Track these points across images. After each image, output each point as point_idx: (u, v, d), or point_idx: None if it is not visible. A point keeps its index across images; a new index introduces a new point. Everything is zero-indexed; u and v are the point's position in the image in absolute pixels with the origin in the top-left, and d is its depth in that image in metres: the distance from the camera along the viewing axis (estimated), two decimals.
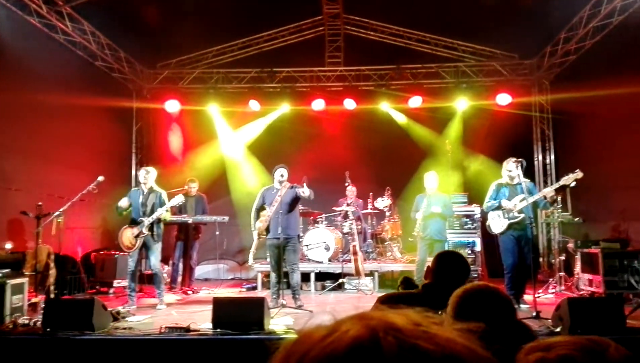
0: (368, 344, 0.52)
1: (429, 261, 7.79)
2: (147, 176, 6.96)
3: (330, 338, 0.54)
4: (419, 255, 7.91)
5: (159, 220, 6.83)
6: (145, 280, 8.56)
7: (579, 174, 6.31)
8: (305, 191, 6.66)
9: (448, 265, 2.90)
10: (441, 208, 7.67)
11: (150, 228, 6.75)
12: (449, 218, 8.62)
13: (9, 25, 7.22)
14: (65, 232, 6.68)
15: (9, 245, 6.78)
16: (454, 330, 0.56)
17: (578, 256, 7.73)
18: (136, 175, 10.74)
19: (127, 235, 6.74)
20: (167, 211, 6.93)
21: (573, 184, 6.41)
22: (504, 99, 10.21)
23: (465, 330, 0.58)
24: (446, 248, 8.50)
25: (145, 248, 6.84)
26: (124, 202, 6.85)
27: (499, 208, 6.67)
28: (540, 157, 10.85)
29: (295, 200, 6.86)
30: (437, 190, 7.85)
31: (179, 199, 7.02)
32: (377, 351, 0.51)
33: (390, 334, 0.53)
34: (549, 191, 6.53)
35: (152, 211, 6.75)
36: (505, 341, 1.68)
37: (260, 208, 7.02)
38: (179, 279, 8.67)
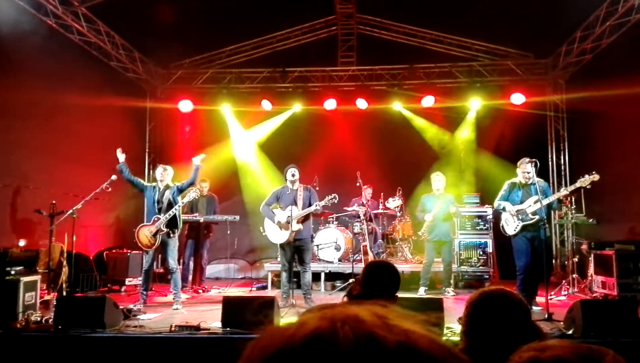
0: (325, 335, 0.53)
1: (437, 261, 7.81)
2: (165, 173, 6.94)
3: (290, 331, 0.55)
4: (427, 257, 7.90)
5: (173, 218, 6.78)
6: (157, 279, 8.64)
7: (595, 176, 6.22)
8: (318, 210, 6.93)
9: (377, 276, 2.74)
10: (449, 208, 7.71)
11: (168, 224, 6.74)
12: (461, 219, 8.58)
13: (26, 26, 7.31)
14: (79, 230, 6.75)
15: (22, 243, 6.88)
16: (416, 321, 0.57)
17: (591, 258, 7.63)
18: (149, 174, 10.84)
19: (145, 233, 6.70)
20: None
21: (588, 186, 6.33)
22: (518, 98, 10.10)
23: (426, 321, 0.59)
24: (455, 250, 8.48)
25: (162, 246, 6.80)
26: (125, 168, 6.88)
27: (504, 210, 6.63)
28: (554, 157, 10.72)
29: (309, 203, 6.88)
30: (444, 191, 7.85)
31: (193, 194, 7.00)
32: (333, 340, 0.52)
33: (348, 324, 0.53)
34: (564, 193, 6.45)
35: (168, 208, 6.74)
36: (519, 343, 1.66)
37: (272, 206, 7.04)
38: (190, 278, 8.72)
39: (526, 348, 0.93)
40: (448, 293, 7.68)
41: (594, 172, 6.26)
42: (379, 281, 2.71)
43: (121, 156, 6.85)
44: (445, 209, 7.74)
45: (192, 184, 6.90)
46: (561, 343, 0.93)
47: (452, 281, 7.95)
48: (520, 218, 6.53)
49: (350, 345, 0.51)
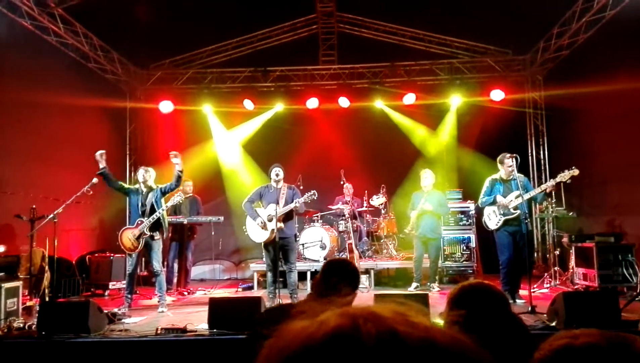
0: (347, 331, 0.53)
1: (426, 257, 7.88)
2: (147, 175, 6.85)
3: (310, 329, 0.55)
4: (416, 252, 7.96)
5: (157, 221, 6.71)
6: (141, 282, 8.56)
7: (575, 171, 6.33)
8: (300, 209, 6.92)
9: (334, 274, 2.72)
10: (435, 206, 7.74)
11: (151, 227, 6.68)
12: (445, 215, 8.67)
13: (1, 28, 7.18)
14: (61, 234, 6.65)
15: (1, 248, 6.75)
16: (443, 319, 0.57)
17: (572, 251, 7.77)
18: (131, 176, 10.72)
19: (128, 237, 6.62)
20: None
21: (568, 181, 6.44)
22: (497, 95, 10.23)
23: (449, 320, 0.60)
24: (441, 246, 8.56)
25: (146, 249, 6.73)
26: (108, 173, 6.70)
27: (493, 203, 6.70)
28: (534, 152, 10.88)
29: (292, 201, 6.87)
30: (433, 188, 7.90)
31: (177, 198, 6.94)
32: (356, 337, 0.52)
33: (370, 321, 0.53)
34: (545, 187, 6.55)
35: (152, 211, 6.67)
36: (500, 336, 1.69)
37: (254, 204, 7.02)
38: (175, 280, 8.65)
39: (558, 336, 0.95)
40: (433, 289, 7.75)
41: (573, 167, 6.36)
42: (338, 278, 2.68)
43: (102, 162, 6.64)
44: (434, 205, 7.80)
45: (174, 188, 6.83)
46: (589, 331, 0.95)
47: (437, 277, 8.01)
48: (502, 212, 6.62)
49: (374, 341, 0.51)
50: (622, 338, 0.90)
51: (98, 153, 6.65)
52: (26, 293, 6.40)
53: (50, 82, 7.96)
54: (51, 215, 6.28)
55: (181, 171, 6.74)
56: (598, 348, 0.88)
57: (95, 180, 6.65)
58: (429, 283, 7.94)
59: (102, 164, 6.63)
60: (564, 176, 6.38)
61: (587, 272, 7.33)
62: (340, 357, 0.51)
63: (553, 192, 7.55)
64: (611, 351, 0.87)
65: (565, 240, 8.12)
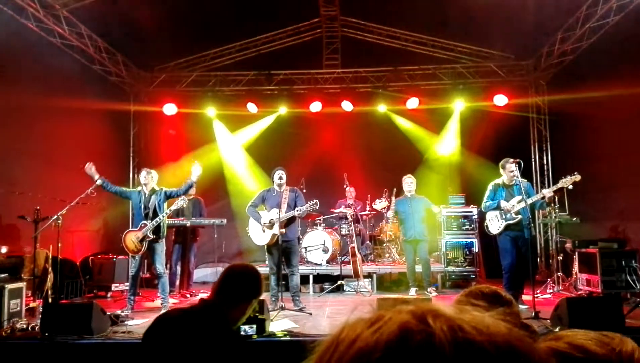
0: (418, 327, 0.52)
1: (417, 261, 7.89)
2: (149, 177, 6.88)
3: (378, 325, 0.54)
4: (407, 259, 8.00)
5: (159, 224, 6.73)
6: (144, 284, 8.56)
7: (577, 177, 6.32)
8: (301, 215, 6.89)
9: (234, 281, 2.58)
10: (422, 211, 7.94)
11: (155, 230, 6.69)
12: (447, 219, 8.69)
13: (7, 30, 7.22)
14: (65, 235, 6.67)
15: (4, 249, 6.76)
16: (488, 315, 0.58)
17: (576, 256, 7.75)
18: (134, 178, 10.74)
19: (131, 239, 6.64)
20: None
21: (570, 186, 6.43)
22: (500, 100, 10.24)
23: (499, 315, 0.59)
24: (442, 250, 8.56)
25: (149, 251, 6.75)
26: (106, 183, 6.77)
27: (497, 208, 6.70)
28: (537, 157, 10.87)
29: (295, 205, 6.86)
30: (415, 193, 8.01)
31: (181, 202, 6.96)
32: (429, 333, 0.52)
33: (439, 318, 0.53)
34: (546, 192, 6.54)
35: (155, 213, 6.69)
36: None
37: (257, 208, 7.03)
38: (177, 282, 8.65)
39: (542, 340, 0.95)
40: (430, 293, 7.73)
41: (575, 172, 6.36)
42: (233, 286, 2.53)
43: (94, 174, 6.66)
44: (419, 210, 7.89)
45: (181, 195, 6.85)
46: (574, 332, 0.96)
47: (429, 280, 7.99)
48: (504, 217, 6.62)
49: (447, 337, 0.51)
50: (606, 336, 0.90)
51: (87, 168, 6.66)
52: (29, 295, 6.42)
53: (55, 85, 7.99)
54: (55, 217, 6.29)
55: (195, 182, 6.83)
56: (584, 348, 0.88)
57: (99, 181, 6.68)
58: (425, 287, 7.92)
59: (96, 176, 6.67)
60: (566, 181, 6.37)
61: (590, 278, 7.31)
62: (414, 352, 0.50)
63: (556, 197, 7.54)
64: (595, 350, 0.88)
65: (568, 245, 8.10)
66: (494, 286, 1.96)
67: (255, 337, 2.69)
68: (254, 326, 2.69)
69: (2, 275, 5.85)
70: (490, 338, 0.52)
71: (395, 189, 8.24)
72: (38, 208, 6.41)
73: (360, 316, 0.58)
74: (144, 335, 2.34)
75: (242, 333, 2.65)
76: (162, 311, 6.53)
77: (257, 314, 2.67)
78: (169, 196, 6.84)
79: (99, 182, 6.66)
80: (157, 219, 6.61)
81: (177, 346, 2.19)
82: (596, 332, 0.92)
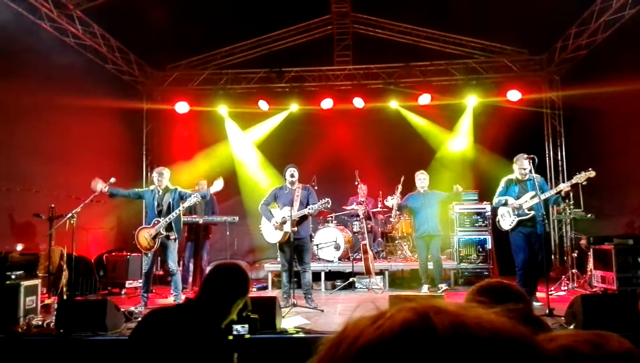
0: (420, 324, 0.53)
1: (429, 258, 7.84)
2: (162, 176, 6.95)
3: (380, 322, 0.55)
4: (420, 256, 7.94)
5: (177, 218, 6.78)
6: (157, 281, 8.62)
7: (591, 173, 6.23)
8: (313, 213, 6.87)
9: (219, 280, 2.57)
10: (435, 205, 7.84)
11: (167, 228, 6.74)
12: (459, 216, 8.65)
13: (21, 30, 7.30)
14: (80, 233, 6.74)
15: (20, 247, 6.86)
16: (494, 312, 0.58)
17: (590, 253, 7.66)
18: (147, 176, 10.83)
19: (145, 236, 6.69)
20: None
21: (584, 182, 6.35)
22: (514, 95, 10.14)
23: (504, 311, 0.60)
24: (454, 246, 8.50)
25: (162, 248, 6.80)
26: (116, 191, 6.79)
27: (505, 204, 6.65)
28: (551, 153, 10.76)
29: (307, 203, 6.86)
30: (428, 188, 7.96)
31: (194, 200, 6.97)
32: (431, 329, 0.52)
33: (441, 314, 0.54)
34: (560, 189, 6.47)
35: (168, 211, 6.74)
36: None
37: (270, 206, 7.05)
38: (190, 279, 8.71)
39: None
40: (440, 289, 7.68)
41: (590, 168, 6.27)
42: (220, 285, 2.52)
43: (101, 187, 6.61)
44: (433, 205, 7.83)
45: (192, 201, 6.87)
46: (565, 332, 0.94)
47: (441, 278, 7.93)
48: (516, 213, 6.56)
49: (449, 333, 0.51)
50: (599, 337, 0.89)
51: (92, 186, 6.60)
52: (45, 291, 6.50)
53: (69, 84, 8.08)
54: (69, 214, 6.36)
55: (210, 194, 6.99)
56: (572, 350, 0.87)
57: (112, 180, 6.72)
58: (436, 284, 7.87)
59: (101, 186, 6.60)
60: (580, 177, 6.29)
61: (605, 275, 7.22)
62: (416, 348, 0.51)
63: (571, 194, 7.45)
64: (585, 352, 0.86)
65: (583, 242, 8.01)
66: (506, 281, 1.94)
67: (247, 336, 2.68)
68: (246, 325, 2.68)
69: (18, 272, 5.93)
70: (493, 335, 0.52)
71: (403, 178, 8.18)
72: (53, 205, 6.49)
73: (363, 313, 0.59)
74: (131, 332, 2.37)
75: (234, 332, 2.65)
76: None
77: (248, 313, 2.68)
78: (182, 198, 6.88)
79: (107, 193, 6.66)
80: (170, 216, 6.65)
81: (161, 344, 2.21)
82: (590, 332, 0.91)
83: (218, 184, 6.84)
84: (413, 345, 0.51)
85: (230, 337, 2.60)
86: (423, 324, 0.53)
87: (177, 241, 6.90)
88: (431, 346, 0.51)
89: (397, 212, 8.12)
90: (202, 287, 2.55)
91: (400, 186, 8.17)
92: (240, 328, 2.66)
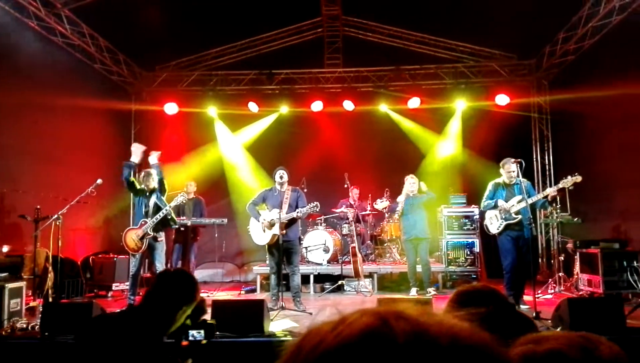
0: (380, 329, 0.53)
1: (418, 261, 7.86)
2: (149, 177, 6.89)
3: (340, 328, 0.54)
4: (408, 259, 7.96)
5: (162, 220, 6.73)
6: (144, 283, 8.53)
7: (578, 177, 6.30)
8: (302, 217, 6.84)
9: (164, 287, 2.51)
10: (424, 207, 7.89)
11: (155, 228, 6.69)
12: (448, 219, 8.69)
13: (8, 28, 7.22)
14: (66, 235, 6.67)
15: (5, 248, 6.77)
16: (455, 317, 0.58)
17: (577, 257, 7.72)
18: (135, 177, 10.71)
19: (132, 237, 6.64)
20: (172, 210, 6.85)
21: (571, 187, 6.41)
22: (502, 99, 10.22)
23: (466, 316, 0.59)
24: (442, 250, 8.53)
25: (149, 250, 6.74)
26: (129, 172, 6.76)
27: (495, 207, 6.68)
28: (538, 157, 10.85)
29: (296, 205, 6.84)
30: (417, 192, 7.99)
31: (181, 198, 6.92)
32: (390, 335, 0.52)
33: (401, 319, 0.54)
34: (547, 193, 6.52)
35: (156, 212, 6.69)
36: (506, 332, 1.67)
37: (258, 206, 7.01)
38: None
39: (523, 340, 0.94)
40: (429, 293, 7.70)
41: (576, 173, 6.33)
42: (164, 291, 2.47)
43: (152, 157, 6.78)
44: (421, 208, 7.88)
45: (160, 182, 6.80)
46: (555, 334, 0.94)
47: (429, 281, 7.95)
48: (503, 217, 6.60)
49: (408, 339, 0.51)
50: (588, 341, 0.89)
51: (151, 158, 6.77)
52: (30, 294, 6.42)
53: (57, 84, 8.01)
54: (55, 216, 6.29)
55: (157, 165, 6.87)
56: (561, 354, 0.87)
57: (99, 181, 6.67)
58: (425, 288, 7.89)
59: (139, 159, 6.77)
60: (567, 182, 6.35)
61: (591, 278, 7.29)
62: (375, 355, 0.50)
63: (558, 197, 7.51)
64: (574, 356, 0.86)
65: (570, 245, 8.08)
66: (478, 284, 1.95)
67: (204, 341, 2.66)
68: (202, 331, 2.66)
69: (3, 274, 5.85)
70: (453, 341, 0.52)
71: (387, 191, 8.21)
72: (38, 207, 6.41)
73: (325, 319, 0.58)
74: (77, 338, 2.36)
75: (190, 338, 2.64)
76: None
77: (204, 319, 2.67)
78: (161, 183, 6.79)
79: (134, 165, 6.78)
80: (158, 216, 6.60)
81: (102, 351, 2.20)
82: (579, 335, 0.91)
83: (153, 157, 6.84)
84: (372, 353, 0.51)
85: (186, 343, 2.57)
86: (382, 330, 0.52)
87: (163, 239, 6.85)
88: (390, 353, 0.50)
89: (389, 213, 8.12)
90: (146, 294, 2.49)
91: (387, 191, 8.20)
92: (196, 334, 2.64)
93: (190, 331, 2.62)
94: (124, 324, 2.35)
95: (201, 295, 2.67)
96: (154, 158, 6.85)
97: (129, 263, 7.10)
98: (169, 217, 6.73)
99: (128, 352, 2.18)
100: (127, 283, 7.08)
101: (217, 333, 4.95)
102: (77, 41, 8.80)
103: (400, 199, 7.88)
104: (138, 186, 6.82)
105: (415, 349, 0.50)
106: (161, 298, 2.45)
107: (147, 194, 6.81)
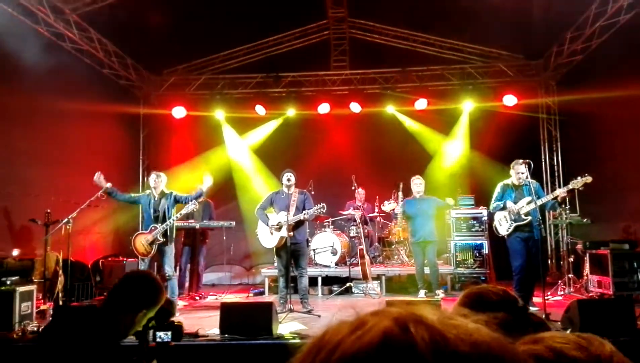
0: (400, 336, 0.52)
1: (425, 263, 7.84)
2: (158, 180, 6.91)
3: (359, 332, 0.54)
4: (416, 261, 7.95)
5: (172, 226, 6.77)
6: None
7: (588, 178, 6.25)
8: (308, 218, 6.88)
9: (125, 288, 2.49)
10: (432, 210, 7.87)
11: (164, 233, 6.72)
12: (456, 220, 8.67)
13: (18, 34, 7.30)
14: (76, 238, 6.73)
15: (15, 252, 6.83)
16: (474, 321, 0.57)
17: (587, 258, 7.67)
18: (144, 181, 10.81)
19: (141, 242, 6.68)
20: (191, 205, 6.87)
21: (581, 188, 6.37)
22: (510, 100, 10.18)
23: (485, 321, 0.59)
24: (451, 251, 8.51)
25: (159, 254, 6.77)
26: (115, 191, 6.81)
27: (504, 209, 6.65)
28: (547, 158, 10.79)
29: (303, 207, 6.85)
30: (424, 194, 7.98)
31: (192, 207, 6.92)
32: (410, 343, 0.51)
33: (420, 325, 0.53)
34: (556, 194, 6.48)
35: (165, 217, 6.72)
36: (519, 334, 1.67)
37: (266, 210, 7.04)
38: (187, 284, 8.68)
39: (521, 341, 0.94)
40: (437, 295, 7.67)
41: (586, 174, 6.29)
42: (124, 294, 2.46)
43: (102, 182, 6.68)
44: (428, 210, 7.84)
45: (188, 202, 6.84)
46: (553, 334, 0.94)
47: (437, 283, 7.93)
48: (513, 218, 6.56)
49: (429, 346, 0.51)
50: (589, 342, 0.89)
51: (95, 178, 6.68)
52: (40, 297, 6.47)
53: (66, 89, 8.07)
54: (65, 220, 6.35)
55: (203, 192, 6.91)
56: (561, 353, 0.87)
57: (109, 185, 6.73)
58: (434, 291, 7.86)
59: (103, 185, 6.68)
60: (577, 183, 6.30)
61: (601, 280, 7.23)
62: (394, 362, 0.50)
63: (567, 199, 7.48)
64: (573, 356, 0.87)
65: (579, 246, 8.02)
66: (485, 285, 1.94)
67: (172, 343, 2.68)
68: (169, 333, 2.67)
69: (13, 278, 5.90)
70: (472, 348, 0.52)
71: (401, 184, 8.20)
72: (49, 210, 6.47)
73: (343, 320, 0.58)
74: (42, 329, 2.41)
75: (158, 339, 2.65)
76: None
77: (172, 321, 2.69)
78: (177, 202, 6.86)
79: (108, 189, 6.70)
80: (167, 222, 6.63)
81: (58, 346, 2.23)
82: (575, 335, 0.91)
83: (208, 180, 6.87)
84: (392, 359, 0.51)
85: (153, 344, 2.58)
86: (402, 338, 0.52)
87: (172, 244, 6.90)
88: (411, 361, 0.50)
89: (397, 216, 8.10)
90: (108, 295, 2.51)
91: (399, 193, 8.18)
92: (164, 335, 2.66)
93: (157, 332, 2.64)
94: (84, 323, 2.36)
95: (168, 296, 2.69)
96: (206, 184, 6.91)
97: (138, 266, 7.14)
98: (171, 227, 6.77)
99: (85, 352, 2.19)
100: None
101: (226, 335, 4.98)
102: (85, 46, 8.88)
103: (398, 210, 7.93)
104: (135, 195, 7.06)
105: (435, 357, 0.50)
106: (121, 300, 2.45)
107: (156, 198, 6.84)
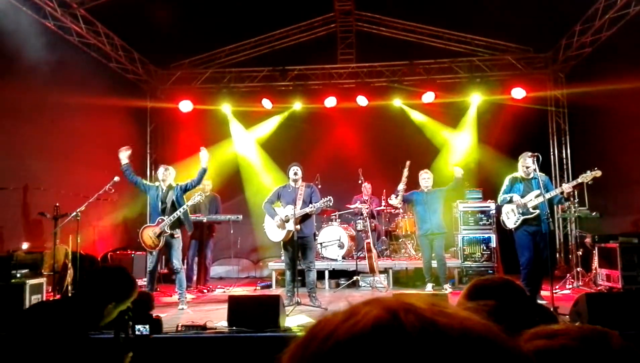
0: (390, 323, 0.54)
1: (433, 256, 7.83)
2: (167, 173, 6.91)
3: (351, 320, 0.55)
4: (423, 254, 7.93)
5: (185, 214, 6.79)
6: (162, 279, 8.64)
7: (597, 172, 6.20)
8: (315, 212, 6.88)
9: (96, 280, 2.53)
10: (441, 202, 7.86)
11: (172, 226, 6.74)
12: (464, 214, 8.65)
13: (25, 29, 7.32)
14: (86, 231, 6.77)
15: (25, 245, 6.89)
16: (465, 309, 0.58)
17: (595, 251, 7.63)
18: (151, 174, 10.86)
19: (149, 234, 6.70)
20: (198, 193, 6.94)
21: (590, 181, 6.33)
22: (518, 93, 10.10)
23: (475, 309, 0.60)
24: (459, 245, 8.49)
25: (166, 247, 6.81)
26: (130, 170, 6.86)
27: (511, 202, 6.61)
28: (556, 151, 10.72)
29: (310, 201, 6.85)
30: (432, 187, 7.95)
31: (198, 198, 6.96)
32: (400, 329, 0.53)
33: (410, 313, 0.54)
34: (565, 187, 6.44)
35: (172, 209, 6.74)
36: (522, 323, 1.66)
37: (273, 204, 7.05)
38: (194, 278, 8.73)
39: (535, 334, 0.93)
40: (445, 289, 7.66)
41: (595, 168, 6.24)
42: (98, 285, 2.49)
43: (124, 157, 6.79)
44: (436, 203, 7.83)
45: (196, 185, 6.89)
46: (566, 328, 0.94)
47: (445, 277, 7.91)
48: (520, 211, 6.52)
49: (417, 333, 0.52)
50: (599, 336, 0.89)
51: (123, 148, 6.79)
52: (50, 290, 6.52)
53: (73, 83, 8.10)
54: (74, 213, 6.39)
55: (205, 168, 6.84)
56: (573, 350, 0.87)
57: (116, 178, 6.77)
58: (442, 284, 7.85)
59: (124, 160, 6.79)
60: (586, 177, 6.26)
61: (610, 273, 7.20)
62: (385, 348, 0.52)
63: (576, 192, 7.43)
64: (589, 350, 0.86)
65: (588, 240, 7.98)
66: (493, 276, 1.93)
67: (151, 336, 2.70)
68: (147, 326, 2.70)
69: (23, 271, 5.95)
70: (461, 333, 0.53)
71: (408, 162, 8.05)
72: (57, 204, 6.51)
73: (336, 310, 0.59)
74: (16, 319, 2.42)
75: (137, 332, 2.68)
76: (180, 306, 6.64)
77: (151, 314, 2.70)
78: (185, 189, 6.86)
79: (124, 167, 6.78)
80: (175, 214, 6.65)
81: (29, 335, 2.25)
82: (591, 329, 0.91)
83: (204, 155, 6.87)
84: (382, 346, 0.52)
85: (132, 336, 2.60)
86: (392, 324, 0.53)
87: (181, 237, 6.93)
88: (401, 347, 0.51)
89: (398, 198, 7.94)
90: (79, 286, 2.57)
91: (405, 170, 8.00)
92: (142, 328, 2.67)
93: (136, 326, 2.66)
94: (52, 315, 2.38)
95: (145, 290, 2.72)
96: (204, 161, 6.90)
97: (146, 260, 7.19)
98: (184, 216, 6.78)
99: (51, 342, 2.21)
100: (145, 279, 7.16)
101: (234, 327, 5.00)
102: (92, 40, 8.90)
103: (400, 188, 7.83)
104: (146, 182, 7.04)
105: (425, 342, 0.51)
106: (90, 291, 2.48)
107: (164, 190, 6.86)
